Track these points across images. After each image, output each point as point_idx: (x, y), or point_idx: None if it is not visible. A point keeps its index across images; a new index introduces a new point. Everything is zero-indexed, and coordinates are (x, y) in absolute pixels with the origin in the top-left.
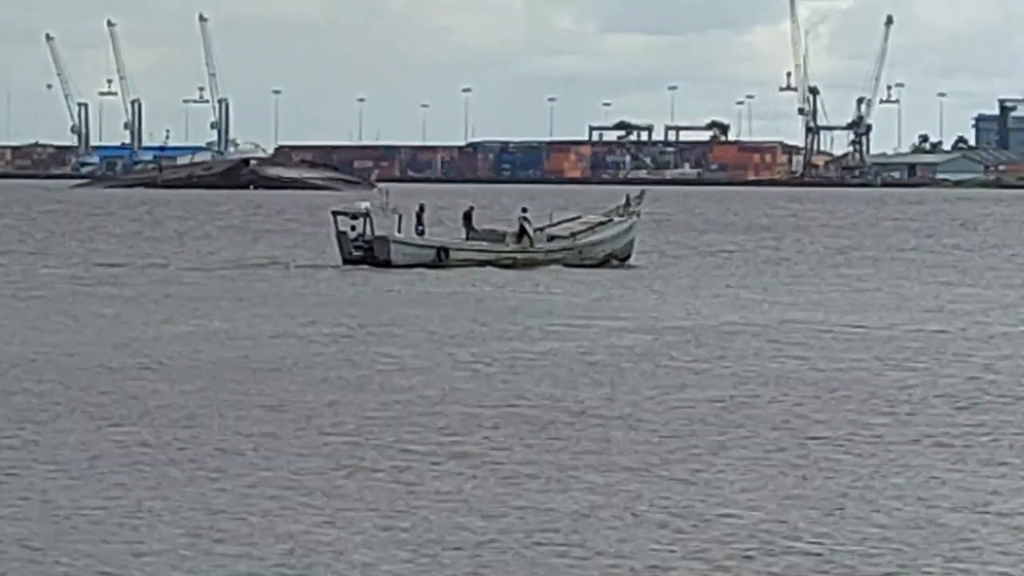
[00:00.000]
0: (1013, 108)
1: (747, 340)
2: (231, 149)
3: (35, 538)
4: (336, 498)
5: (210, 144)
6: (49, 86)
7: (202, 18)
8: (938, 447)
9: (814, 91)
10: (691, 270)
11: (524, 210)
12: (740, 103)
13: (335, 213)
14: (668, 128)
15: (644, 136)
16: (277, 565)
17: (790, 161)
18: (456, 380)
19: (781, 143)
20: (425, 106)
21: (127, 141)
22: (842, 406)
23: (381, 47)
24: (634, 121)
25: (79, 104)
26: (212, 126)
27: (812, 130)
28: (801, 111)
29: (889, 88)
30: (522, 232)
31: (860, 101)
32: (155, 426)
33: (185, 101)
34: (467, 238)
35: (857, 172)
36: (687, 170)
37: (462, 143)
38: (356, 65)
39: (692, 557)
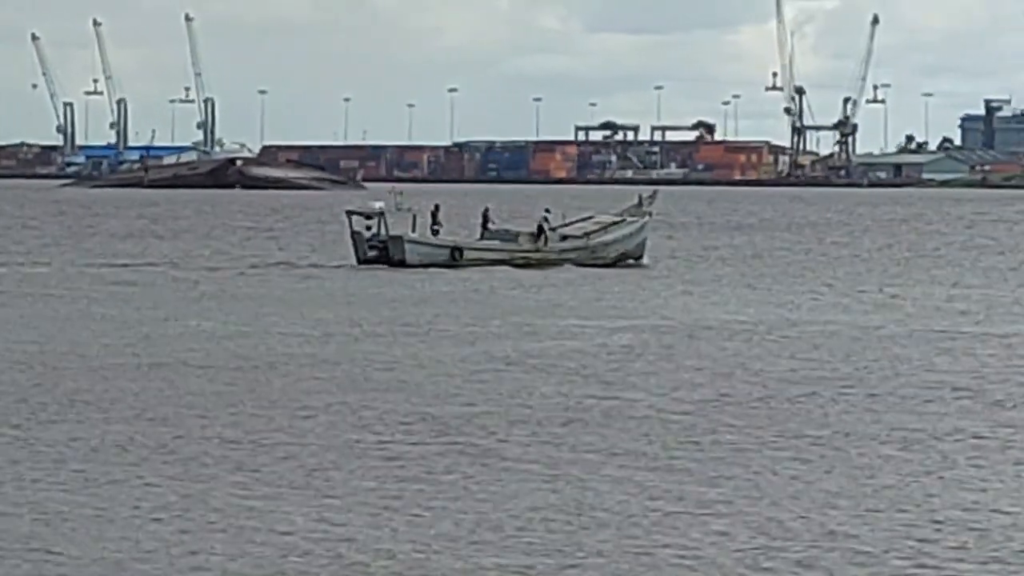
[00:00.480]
0: (999, 108)
1: (763, 339)
2: (217, 149)
3: (30, 535)
4: (332, 495)
5: (196, 144)
6: (35, 86)
7: (188, 18)
8: (951, 444)
9: (800, 91)
10: (715, 271)
11: (547, 210)
12: (726, 103)
13: (350, 213)
14: (654, 128)
15: (630, 136)
16: (274, 562)
17: (776, 161)
18: (459, 377)
19: (767, 143)
20: (411, 106)
21: (113, 141)
22: (871, 404)
23: (367, 47)
24: (620, 121)
25: (65, 104)
26: (198, 126)
27: (798, 130)
28: (787, 111)
29: (875, 88)
30: (540, 231)
31: (846, 101)
32: (148, 422)
33: (171, 101)
34: (481, 238)
35: (843, 172)
36: (673, 170)
37: (448, 143)
38: (342, 65)
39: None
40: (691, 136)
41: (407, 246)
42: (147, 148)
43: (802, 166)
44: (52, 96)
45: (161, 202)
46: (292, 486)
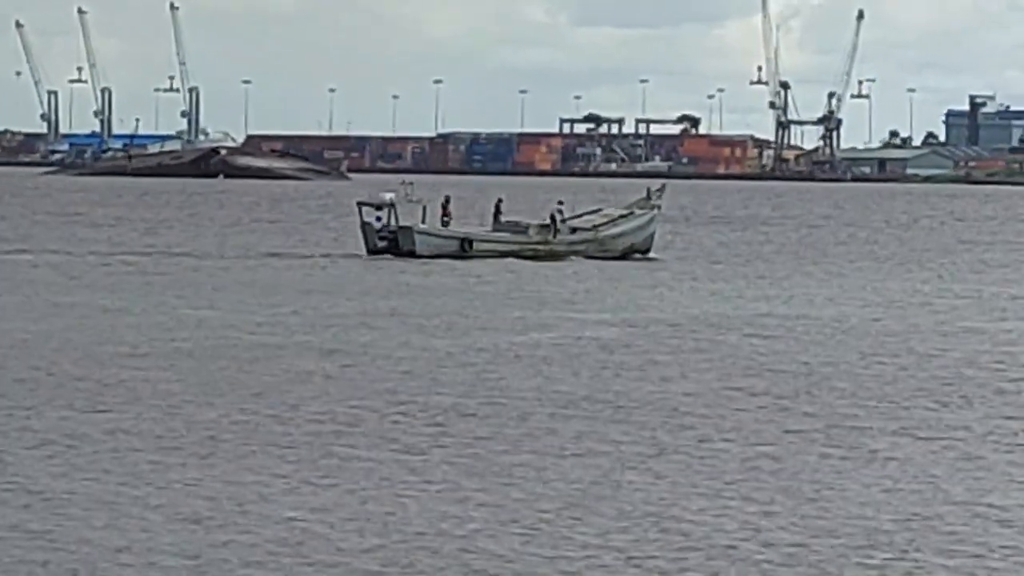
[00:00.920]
0: (983, 104)
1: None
2: (201, 138)
3: (22, 522)
4: (322, 486)
5: (180, 133)
6: (19, 73)
7: (173, 7)
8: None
9: (785, 85)
10: (724, 264)
11: (560, 203)
12: (711, 97)
13: (360, 204)
14: (639, 121)
15: (615, 129)
16: (267, 551)
17: (760, 155)
18: (469, 366)
19: (752, 137)
20: (396, 97)
21: (97, 129)
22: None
23: (352, 38)
24: (605, 114)
25: (49, 92)
26: (182, 115)
27: (783, 124)
28: (772, 105)
29: (860, 83)
30: (553, 222)
31: (831, 96)
32: (144, 409)
33: (155, 90)
34: (492, 230)
35: (827, 167)
36: (658, 163)
37: (433, 134)
38: (327, 55)
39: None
40: (676, 129)
41: (417, 237)
42: (131, 137)
43: (786, 160)
44: (36, 84)
45: (157, 191)
46: (287, 473)
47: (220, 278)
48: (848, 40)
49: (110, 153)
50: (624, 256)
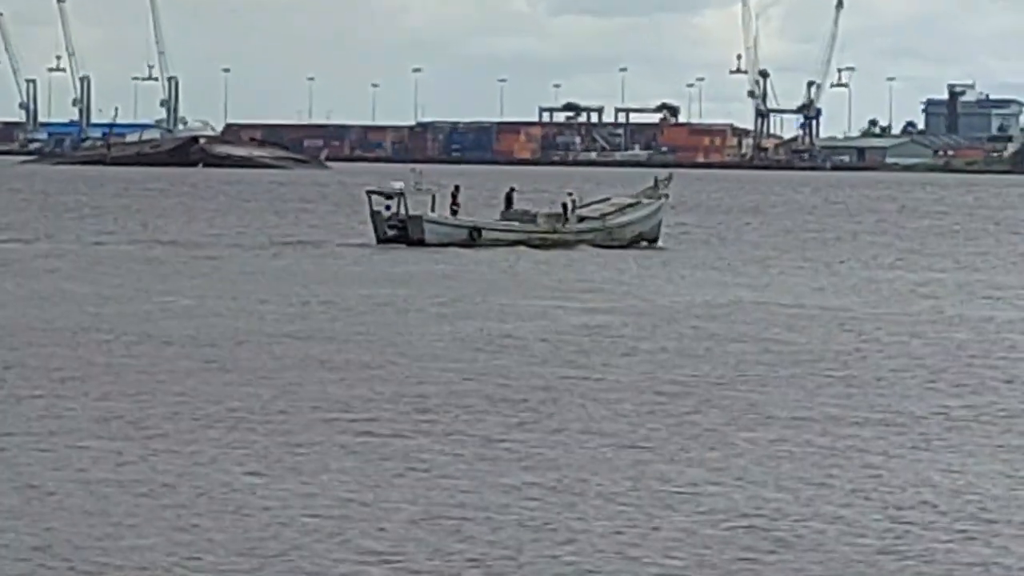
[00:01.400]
0: (962, 93)
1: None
2: (180, 127)
3: (12, 509)
4: (320, 471)
5: (159, 122)
6: None
7: None
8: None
9: (764, 74)
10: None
11: (571, 193)
12: (690, 85)
13: (370, 193)
14: (618, 110)
15: (594, 118)
16: (256, 541)
17: (740, 144)
18: (465, 358)
19: (731, 126)
20: (375, 86)
21: (76, 118)
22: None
23: (331, 26)
24: (584, 103)
25: (27, 80)
26: (161, 104)
27: (762, 113)
28: (751, 94)
29: (839, 72)
30: (565, 211)
31: (810, 85)
32: (141, 394)
33: (134, 79)
34: (501, 218)
35: (806, 155)
36: (637, 152)
37: (412, 123)
38: (306, 44)
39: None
40: (655, 118)
41: (426, 226)
42: (110, 125)
43: (765, 149)
44: (15, 73)
45: (137, 180)
46: (280, 462)
47: (228, 265)
48: (827, 29)
49: (89, 142)
50: (632, 244)
